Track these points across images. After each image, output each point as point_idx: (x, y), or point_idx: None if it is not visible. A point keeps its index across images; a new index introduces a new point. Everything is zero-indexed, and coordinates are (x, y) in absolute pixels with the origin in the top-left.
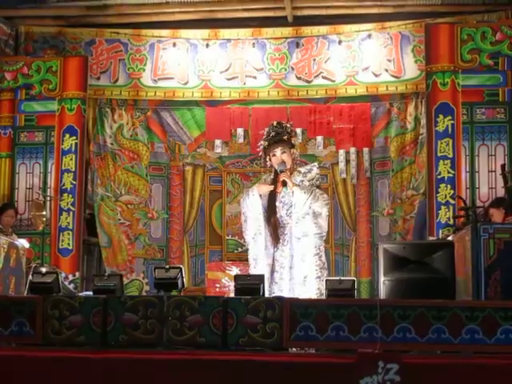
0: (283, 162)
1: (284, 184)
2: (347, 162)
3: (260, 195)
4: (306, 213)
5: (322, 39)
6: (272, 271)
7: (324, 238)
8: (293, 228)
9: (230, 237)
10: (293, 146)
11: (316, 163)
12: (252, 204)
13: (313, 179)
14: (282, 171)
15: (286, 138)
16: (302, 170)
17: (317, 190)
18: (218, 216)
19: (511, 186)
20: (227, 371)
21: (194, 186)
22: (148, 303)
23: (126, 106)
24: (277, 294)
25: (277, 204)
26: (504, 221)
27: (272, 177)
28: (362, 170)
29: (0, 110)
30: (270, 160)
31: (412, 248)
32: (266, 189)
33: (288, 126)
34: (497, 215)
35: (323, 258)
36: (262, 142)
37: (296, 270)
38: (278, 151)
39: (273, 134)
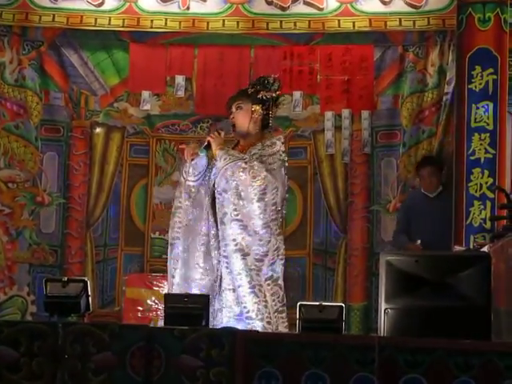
0: (233, 124)
1: (206, 147)
2: (337, 129)
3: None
4: (223, 189)
5: None
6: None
7: (262, 246)
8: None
9: (156, 234)
10: (259, 103)
11: (281, 136)
12: None
13: (274, 155)
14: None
15: (250, 90)
16: (267, 142)
17: (254, 164)
18: (140, 203)
19: None
20: None
21: (107, 158)
22: (34, 333)
23: (10, 36)
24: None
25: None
26: None
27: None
28: (358, 143)
29: None
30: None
31: (429, 262)
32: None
33: (270, 79)
34: None
35: (264, 283)
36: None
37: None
38: (233, 108)
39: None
